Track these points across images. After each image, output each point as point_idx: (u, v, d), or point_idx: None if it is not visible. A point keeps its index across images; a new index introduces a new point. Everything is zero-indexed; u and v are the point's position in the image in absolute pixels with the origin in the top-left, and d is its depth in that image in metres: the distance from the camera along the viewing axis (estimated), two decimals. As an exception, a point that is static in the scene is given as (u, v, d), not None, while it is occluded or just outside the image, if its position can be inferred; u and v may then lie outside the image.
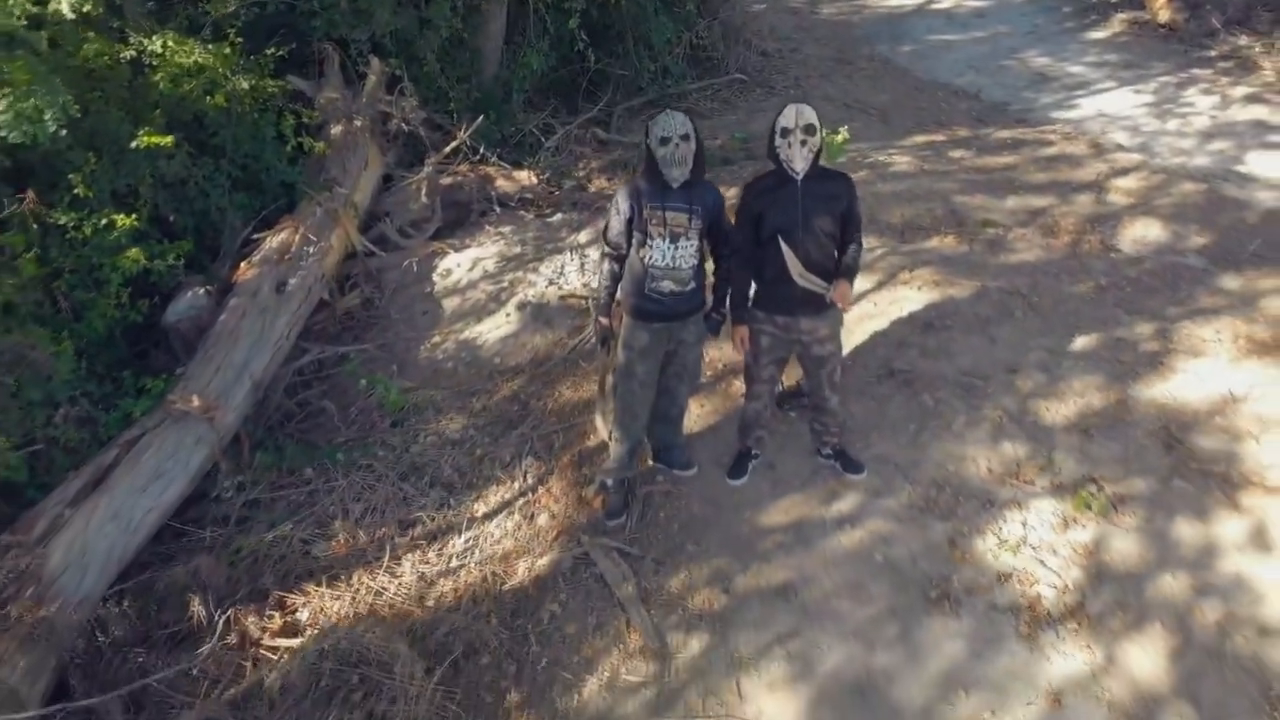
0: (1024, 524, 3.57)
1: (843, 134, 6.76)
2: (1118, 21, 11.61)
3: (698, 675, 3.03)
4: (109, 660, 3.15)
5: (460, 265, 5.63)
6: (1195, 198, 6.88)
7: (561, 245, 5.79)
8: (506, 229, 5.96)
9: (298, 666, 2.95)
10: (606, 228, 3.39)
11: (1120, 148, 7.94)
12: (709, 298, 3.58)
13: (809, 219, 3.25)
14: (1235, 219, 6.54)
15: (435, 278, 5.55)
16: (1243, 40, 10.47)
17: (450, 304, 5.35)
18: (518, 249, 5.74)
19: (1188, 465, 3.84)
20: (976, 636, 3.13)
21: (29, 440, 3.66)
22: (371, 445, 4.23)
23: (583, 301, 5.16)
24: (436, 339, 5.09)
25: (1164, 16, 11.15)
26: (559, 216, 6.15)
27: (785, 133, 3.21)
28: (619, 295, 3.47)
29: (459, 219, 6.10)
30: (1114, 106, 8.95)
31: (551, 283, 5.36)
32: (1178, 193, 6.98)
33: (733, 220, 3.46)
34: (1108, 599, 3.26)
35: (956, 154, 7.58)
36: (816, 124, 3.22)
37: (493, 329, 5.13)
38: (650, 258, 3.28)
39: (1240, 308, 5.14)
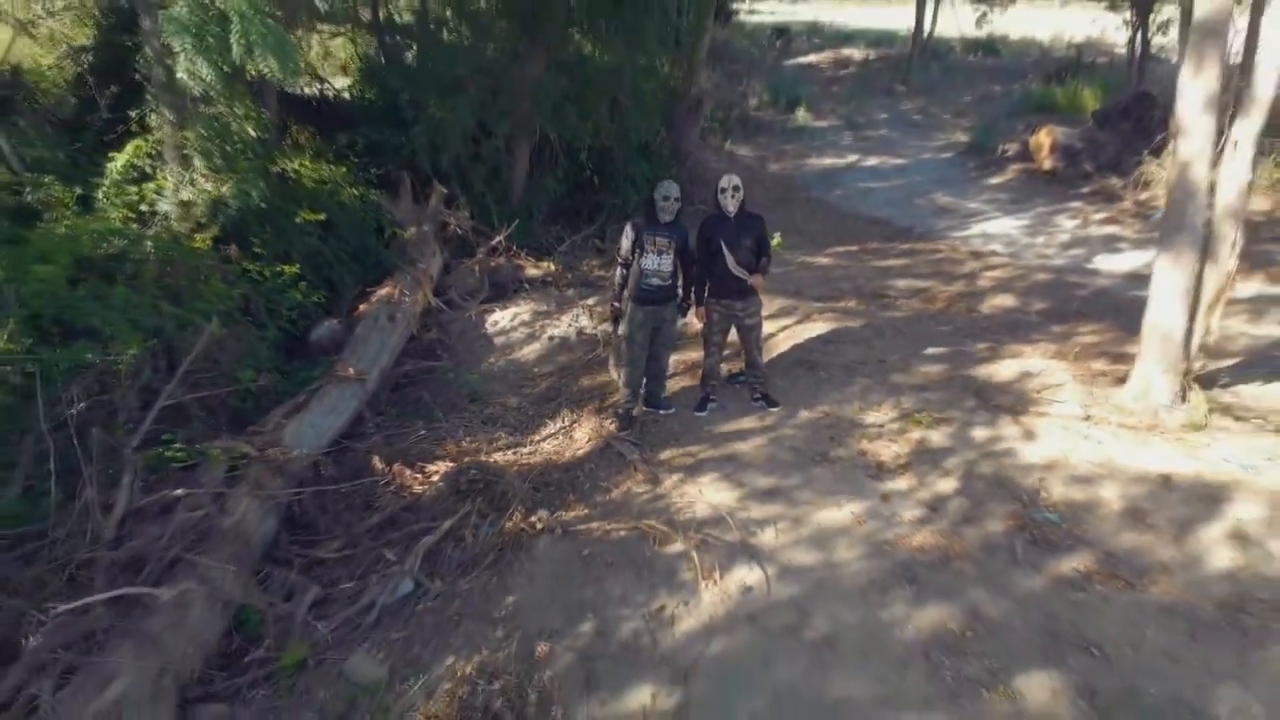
0: (878, 430, 6.03)
1: (779, 238, 9.60)
2: (1011, 170, 15.03)
3: (675, 486, 5.38)
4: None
5: (504, 318, 8.23)
6: (1044, 283, 9.72)
7: (574, 305, 8.42)
8: (535, 296, 8.64)
9: (445, 478, 5.27)
10: (619, 248, 6.00)
11: (994, 253, 10.86)
12: (680, 292, 6.16)
13: (739, 238, 5.92)
14: (1071, 294, 9.34)
15: (487, 325, 8.14)
16: (1112, 180, 13.75)
17: (499, 340, 7.91)
18: (544, 307, 8.38)
19: (989, 404, 6.36)
20: (843, 475, 5.52)
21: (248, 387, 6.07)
22: (460, 409, 6.64)
23: (593, 335, 7.72)
24: (492, 359, 7.61)
25: (1047, 165, 14.56)
26: (571, 290, 8.83)
27: (722, 191, 5.93)
28: (626, 289, 6.03)
29: (499, 292, 8.78)
30: (996, 228, 11.99)
31: (570, 325, 7.93)
32: (1032, 280, 9.83)
33: (695, 242, 6.10)
34: (925, 461, 5.67)
35: (865, 257, 10.46)
36: (740, 184, 5.94)
37: (530, 352, 7.67)
38: (645, 264, 5.88)
39: (1057, 339, 7.82)
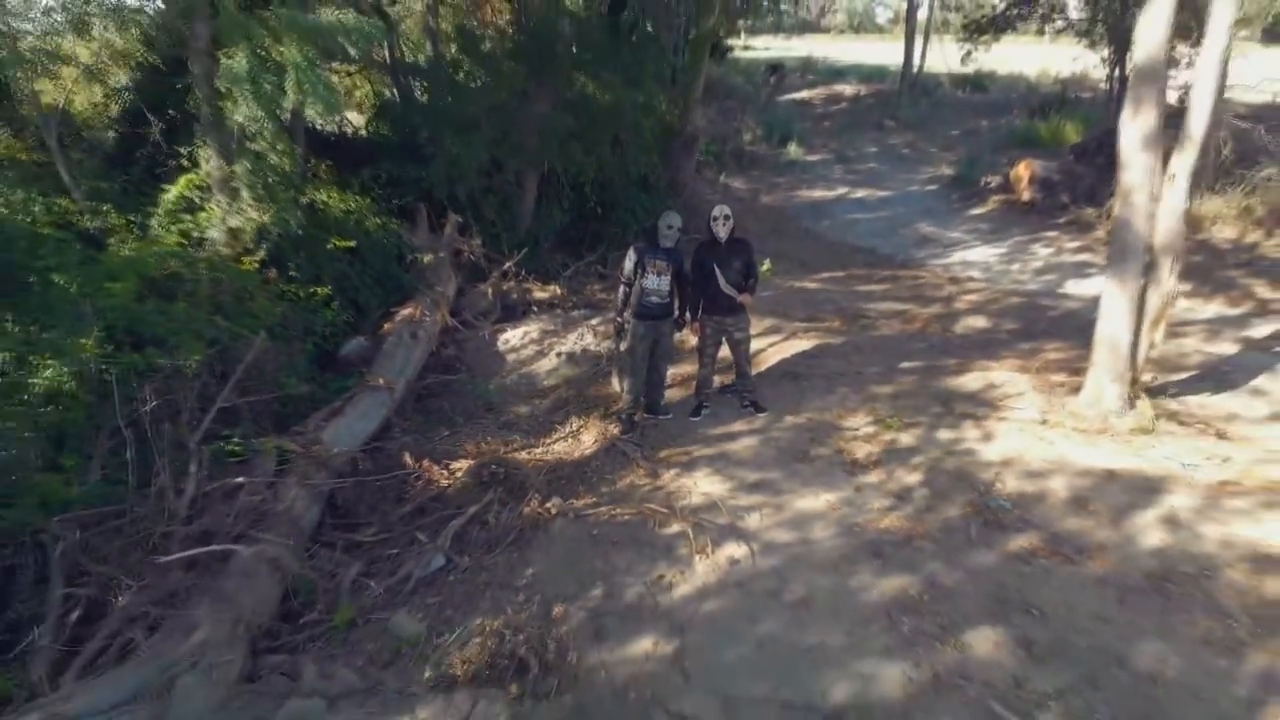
0: (854, 432, 6.76)
1: (768, 265, 10.37)
2: (992, 201, 15.88)
3: (673, 480, 6.10)
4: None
5: (514, 336, 8.98)
6: (1016, 305, 10.49)
7: (579, 325, 9.17)
8: (543, 317, 9.40)
9: (468, 471, 5.99)
10: (622, 269, 6.76)
11: (971, 279, 11.65)
12: (676, 309, 6.91)
13: (729, 261, 6.69)
14: (1040, 316, 10.11)
15: (499, 343, 8.89)
16: (1087, 210, 14.57)
17: (510, 356, 8.66)
18: (551, 327, 9.14)
19: (954, 411, 7.10)
20: (821, 471, 6.24)
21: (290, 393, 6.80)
22: (477, 418, 7.37)
23: (597, 352, 8.47)
24: (504, 373, 8.35)
25: (1026, 196, 15.40)
26: (576, 312, 9.60)
27: (714, 219, 6.72)
28: (628, 306, 6.78)
29: (510, 313, 9.54)
30: (975, 256, 12.79)
31: (575, 343, 8.68)
32: (1005, 303, 10.60)
33: (689, 265, 6.87)
34: (894, 459, 6.40)
35: (850, 282, 11.25)
36: (730, 214, 6.73)
37: (540, 367, 8.42)
38: (646, 283, 6.64)
39: (1023, 355, 8.56)
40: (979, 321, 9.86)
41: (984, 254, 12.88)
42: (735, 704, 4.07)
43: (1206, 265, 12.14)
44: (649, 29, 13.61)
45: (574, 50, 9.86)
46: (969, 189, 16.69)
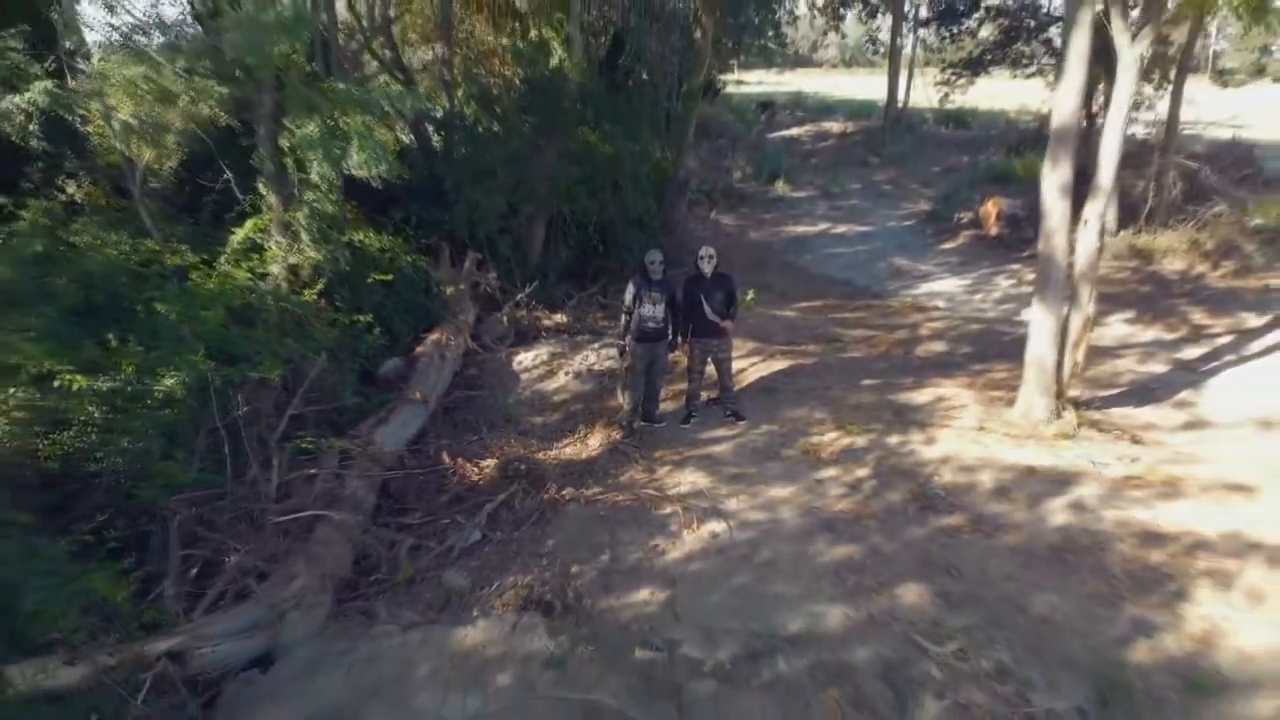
0: (819, 437, 8.12)
1: (751, 295, 11.75)
2: (963, 236, 17.31)
3: (666, 474, 7.45)
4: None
5: (527, 358, 10.34)
6: (974, 331, 11.84)
7: (583, 348, 10.54)
8: (551, 342, 10.78)
9: (495, 467, 7.33)
10: (624, 300, 8.14)
11: (936, 308, 13.03)
12: (669, 333, 8.29)
13: (713, 293, 8.08)
14: (994, 341, 11.47)
15: (514, 364, 10.24)
16: (1050, 246, 15.95)
17: (524, 375, 10.01)
18: (559, 350, 10.51)
19: (904, 420, 8.45)
20: (789, 467, 7.58)
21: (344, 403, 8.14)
22: (499, 426, 8.71)
23: (600, 371, 9.84)
24: (519, 389, 9.71)
25: (994, 231, 16.84)
26: (580, 337, 10.98)
27: (701, 258, 8.13)
28: (629, 330, 8.15)
29: (522, 338, 10.91)
30: (942, 287, 14.19)
31: (580, 364, 10.04)
32: (964, 329, 11.96)
33: (680, 295, 8.25)
34: (850, 458, 7.74)
35: (826, 311, 12.64)
36: (714, 253, 8.14)
37: (551, 384, 9.78)
38: (643, 311, 8.02)
39: (972, 375, 9.92)
40: (938, 346, 11.23)
41: (950, 285, 14.29)
42: (714, 634, 5.37)
43: (1153, 295, 13.57)
44: (644, 76, 15.15)
45: (578, 106, 11.30)
46: (942, 224, 18.15)
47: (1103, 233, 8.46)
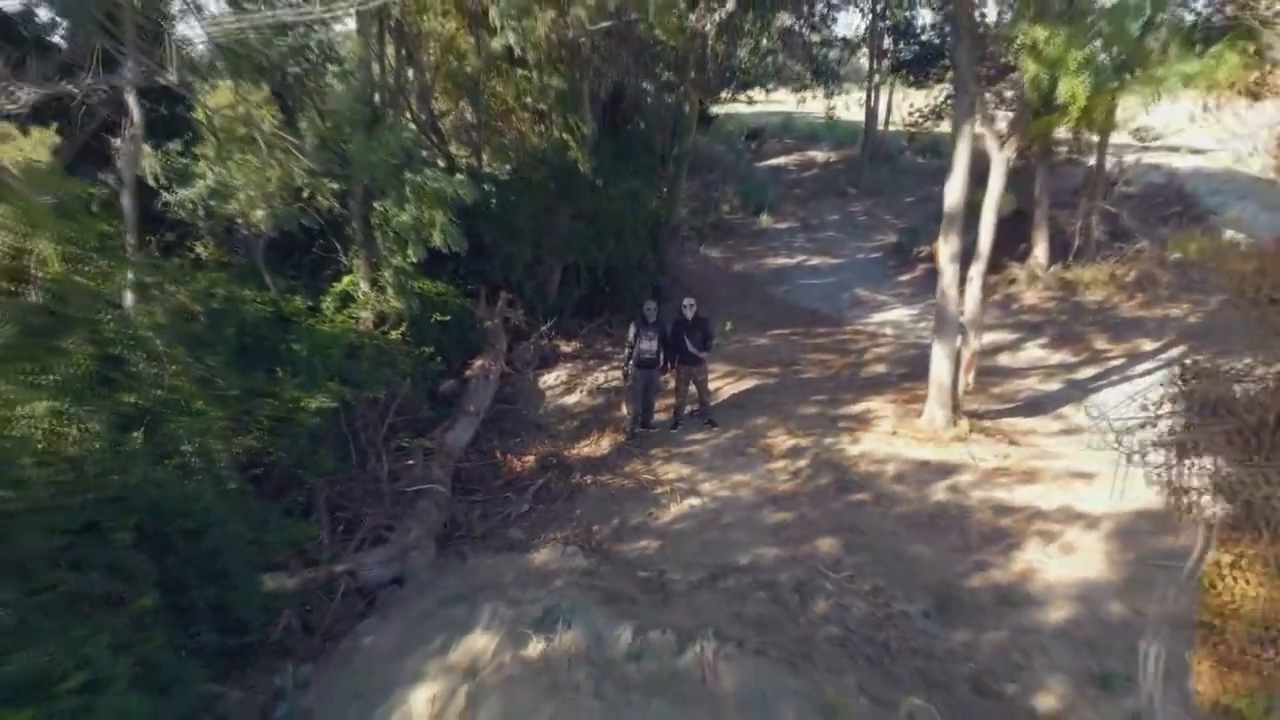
0: (774, 439, 11.23)
1: (730, 325, 14.86)
2: (920, 269, 20.36)
3: (660, 466, 10.56)
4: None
5: (550, 379, 13.46)
6: (913, 355, 14.89)
7: (594, 370, 13.66)
8: (568, 365, 13.90)
9: (536, 461, 10.44)
10: (627, 337, 11.25)
11: (884, 335, 16.12)
12: (661, 361, 11.41)
13: (693, 332, 11.23)
14: (926, 364, 14.50)
15: (540, 383, 13.35)
16: (990, 278, 19.02)
17: (549, 392, 13.12)
18: (575, 372, 13.63)
19: (838, 426, 11.57)
20: (749, 460, 10.66)
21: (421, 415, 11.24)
22: (532, 432, 11.82)
23: (609, 388, 12.95)
24: (546, 403, 12.80)
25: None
26: (591, 361, 14.09)
27: (684, 307, 11.29)
28: (631, 360, 11.27)
29: (545, 362, 14.02)
30: (894, 316, 17.27)
31: (592, 383, 13.14)
32: (904, 354, 15.03)
33: (669, 333, 11.38)
34: (794, 454, 10.83)
35: (793, 338, 15.76)
36: (694, 303, 11.30)
37: (570, 399, 12.89)
38: (641, 346, 11.14)
39: (900, 392, 13.01)
40: (879, 368, 14.34)
41: (901, 314, 17.40)
42: (689, 565, 8.41)
43: (1068, 322, 16.65)
44: (642, 125, 18.34)
45: (588, 176, 14.39)
46: (903, 258, 21.25)
47: (984, 286, 11.59)
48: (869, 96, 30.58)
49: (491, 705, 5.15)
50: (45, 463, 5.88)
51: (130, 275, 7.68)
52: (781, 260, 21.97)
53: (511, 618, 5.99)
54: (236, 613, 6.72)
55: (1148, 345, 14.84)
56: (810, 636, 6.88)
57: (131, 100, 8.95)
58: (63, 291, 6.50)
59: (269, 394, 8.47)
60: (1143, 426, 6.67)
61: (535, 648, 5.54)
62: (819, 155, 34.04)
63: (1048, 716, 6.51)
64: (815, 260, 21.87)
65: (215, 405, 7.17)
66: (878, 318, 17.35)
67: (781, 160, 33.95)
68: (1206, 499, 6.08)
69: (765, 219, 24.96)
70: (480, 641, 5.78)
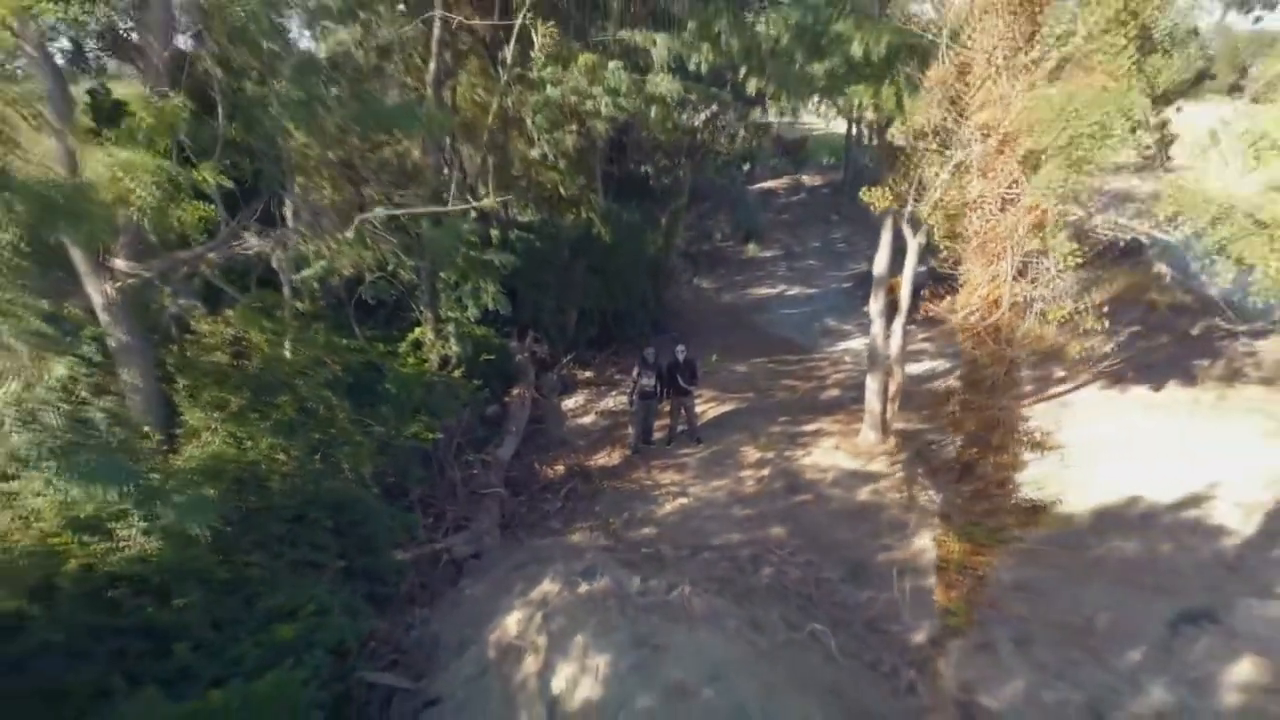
0: (745, 453, 15.20)
1: (715, 357, 18.84)
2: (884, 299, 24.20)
3: (658, 473, 14.52)
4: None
5: (570, 403, 17.40)
6: (865, 380, 18.83)
7: (606, 395, 17.61)
8: (585, 391, 17.86)
9: (565, 469, 14.43)
10: (633, 373, 15.19)
11: (845, 362, 20.05)
12: (659, 392, 15.36)
13: (684, 370, 15.16)
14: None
15: (562, 407, 17.30)
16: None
17: (569, 414, 17.06)
18: (591, 397, 17.58)
19: (796, 442, 15.53)
20: (726, 470, 14.57)
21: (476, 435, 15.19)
22: (558, 447, 15.78)
23: (619, 411, 16.90)
24: (567, 424, 16.75)
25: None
26: (603, 387, 18.03)
27: (677, 351, 15.23)
28: (634, 391, 15.23)
29: (566, 389, 17.96)
30: (855, 344, 21.15)
31: (605, 406, 17.07)
32: (859, 379, 18.91)
33: (665, 371, 15.34)
34: (760, 465, 14.76)
35: (769, 366, 19.71)
36: (684, 348, 15.26)
37: (586, 420, 16.84)
38: (643, 380, 15.06)
39: (850, 413, 16.97)
40: (836, 392, 18.27)
41: (861, 343, 21.23)
42: (679, 545, 12.34)
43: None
44: (643, 170, 22.31)
45: (596, 239, 18.31)
46: (869, 288, 25.13)
47: (905, 333, 15.53)
48: (849, 128, 34.15)
49: (558, 620, 9.07)
50: (271, 476, 9.83)
51: (288, 341, 11.60)
52: (764, 290, 25.86)
53: (565, 572, 9.91)
54: (381, 574, 10.65)
55: (1059, 373, 18.59)
56: (755, 587, 10.82)
57: (289, 213, 12.82)
58: (272, 364, 10.48)
59: (383, 424, 12.42)
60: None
61: (583, 589, 9.47)
62: (807, 179, 37.73)
63: (917, 646, 10.41)
64: (794, 290, 25.74)
65: (364, 436, 11.10)
66: (841, 345, 21.26)
67: (772, 184, 37.64)
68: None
69: (753, 248, 28.75)
70: (547, 586, 9.71)
